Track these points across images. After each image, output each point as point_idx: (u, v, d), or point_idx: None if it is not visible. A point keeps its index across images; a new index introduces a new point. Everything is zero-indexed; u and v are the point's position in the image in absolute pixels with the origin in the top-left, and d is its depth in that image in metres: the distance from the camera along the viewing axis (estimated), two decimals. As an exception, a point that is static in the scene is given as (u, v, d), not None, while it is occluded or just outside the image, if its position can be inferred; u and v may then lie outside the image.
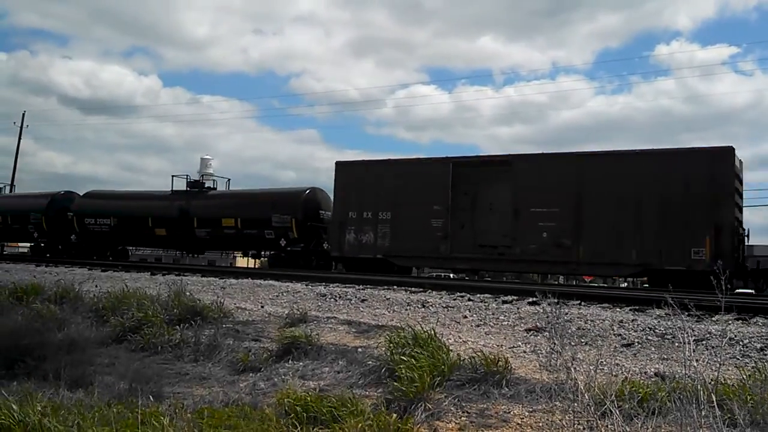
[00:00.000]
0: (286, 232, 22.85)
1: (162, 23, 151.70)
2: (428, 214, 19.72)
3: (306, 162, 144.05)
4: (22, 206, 30.85)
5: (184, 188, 27.11)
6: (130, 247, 31.59)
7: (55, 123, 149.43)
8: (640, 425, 4.73)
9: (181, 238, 26.43)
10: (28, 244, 33.22)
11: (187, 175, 27.58)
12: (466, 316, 10.25)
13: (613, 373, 6.50)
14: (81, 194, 29.90)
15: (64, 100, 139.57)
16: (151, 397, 6.64)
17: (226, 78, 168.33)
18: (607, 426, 4.62)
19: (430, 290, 13.39)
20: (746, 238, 17.60)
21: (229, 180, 28.81)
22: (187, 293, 11.67)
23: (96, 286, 14.57)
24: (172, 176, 27.42)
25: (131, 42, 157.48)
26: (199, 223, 25.30)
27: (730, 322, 8.85)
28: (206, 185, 27.48)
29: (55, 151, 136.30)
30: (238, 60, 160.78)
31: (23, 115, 51.61)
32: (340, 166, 22.00)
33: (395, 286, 14.09)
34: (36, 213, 29.53)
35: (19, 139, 50.38)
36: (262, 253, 27.00)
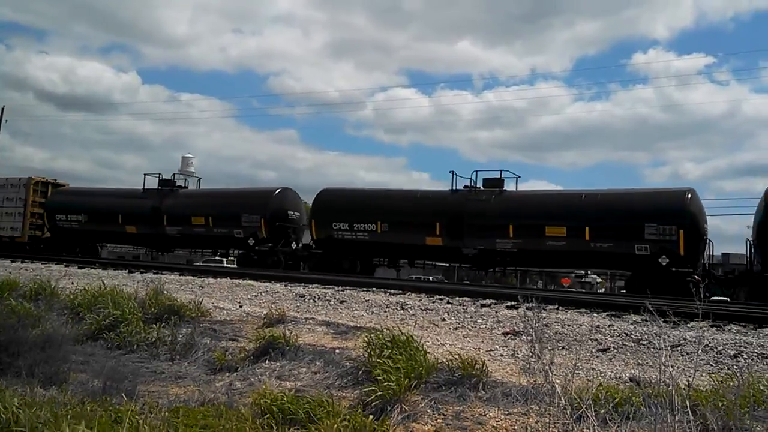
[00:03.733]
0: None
1: (141, 20, 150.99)
2: None
3: (285, 162, 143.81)
4: None
5: None
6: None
7: (33, 118, 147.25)
8: (614, 429, 4.77)
9: None
10: None
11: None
12: (444, 319, 10.27)
13: (589, 378, 6.54)
14: None
15: (41, 96, 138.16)
16: (125, 395, 6.57)
17: (205, 76, 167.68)
18: (582, 429, 4.65)
19: (409, 293, 13.41)
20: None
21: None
22: (165, 292, 11.58)
23: (72, 283, 14.42)
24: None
25: (109, 38, 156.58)
26: None
27: (705, 328, 8.95)
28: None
29: (33, 146, 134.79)
30: (217, 59, 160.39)
31: (2, 109, 50.87)
32: None
33: (374, 288, 14.09)
34: None
35: (-3, 133, 49.71)
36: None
